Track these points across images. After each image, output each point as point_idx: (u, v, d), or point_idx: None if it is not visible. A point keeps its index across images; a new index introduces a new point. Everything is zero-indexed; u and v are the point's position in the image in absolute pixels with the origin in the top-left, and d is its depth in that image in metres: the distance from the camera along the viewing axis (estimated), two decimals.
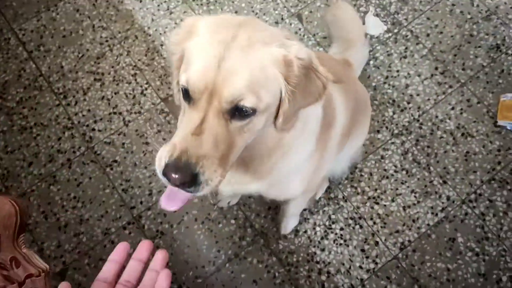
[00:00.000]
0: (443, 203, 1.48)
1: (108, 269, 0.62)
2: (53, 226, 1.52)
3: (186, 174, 0.67)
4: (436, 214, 1.47)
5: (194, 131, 0.69)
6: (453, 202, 1.48)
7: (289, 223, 1.45)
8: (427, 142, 1.56)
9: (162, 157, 0.69)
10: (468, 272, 1.40)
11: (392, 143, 1.56)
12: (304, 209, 1.50)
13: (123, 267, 0.64)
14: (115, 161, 1.60)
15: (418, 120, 1.59)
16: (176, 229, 1.50)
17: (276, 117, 0.78)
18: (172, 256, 1.47)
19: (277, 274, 1.43)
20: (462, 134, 1.56)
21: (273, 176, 0.96)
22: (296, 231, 1.48)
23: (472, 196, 1.49)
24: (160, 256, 0.64)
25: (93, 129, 1.64)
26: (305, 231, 1.48)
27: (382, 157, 1.55)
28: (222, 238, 1.48)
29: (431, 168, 1.52)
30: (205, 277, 1.44)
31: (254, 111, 0.71)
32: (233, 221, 1.50)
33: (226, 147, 0.71)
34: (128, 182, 1.57)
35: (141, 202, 1.54)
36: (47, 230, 1.52)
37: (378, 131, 1.58)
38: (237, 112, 0.71)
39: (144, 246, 0.65)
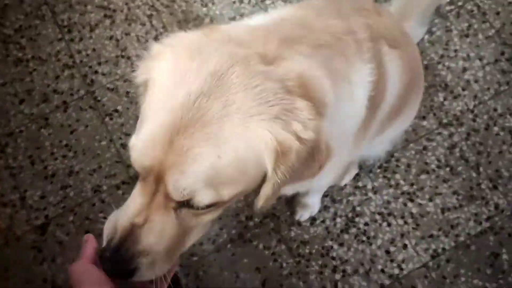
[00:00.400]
0: (489, 211, 1.26)
1: None
2: (39, 174, 1.34)
3: (120, 269, 0.58)
4: (480, 223, 1.25)
5: (136, 219, 0.56)
6: (502, 211, 1.26)
7: (306, 210, 1.25)
8: (479, 138, 1.32)
9: (105, 231, 0.61)
10: None
11: (439, 133, 1.33)
12: (325, 196, 1.29)
13: None
14: (116, 110, 1.39)
15: (472, 111, 1.35)
16: None
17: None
18: None
19: (284, 264, 1.24)
20: None
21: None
22: (312, 219, 1.28)
23: None
24: None
25: (96, 72, 1.43)
26: (323, 221, 1.27)
27: (425, 148, 1.32)
28: (227, 215, 1.29)
29: (481, 169, 1.29)
30: (202, 256, 1.25)
31: (213, 205, 0.55)
32: (241, 197, 1.30)
33: (175, 238, 0.59)
34: (128, 136, 1.37)
35: None
36: (32, 177, 1.34)
37: (424, 118, 1.35)
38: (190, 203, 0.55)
39: None
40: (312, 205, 1.24)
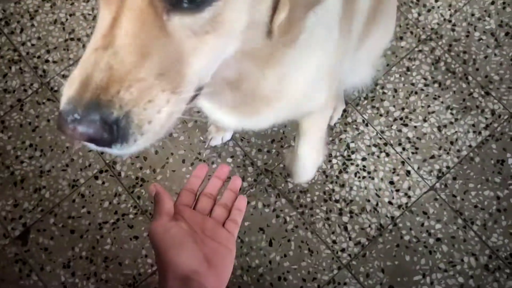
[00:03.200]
0: (486, 118, 1.20)
1: (193, 182, 0.65)
2: (7, 182, 1.23)
3: (92, 123, 0.37)
4: (479, 133, 1.19)
5: (101, 42, 0.38)
6: (499, 116, 1.20)
7: (307, 163, 0.95)
8: (462, 46, 1.26)
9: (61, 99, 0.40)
10: None
11: (420, 51, 1.26)
12: None
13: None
14: None
15: (450, 21, 1.28)
16: (160, 174, 1.22)
17: (272, 12, 0.44)
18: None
19: (288, 218, 1.16)
20: (506, 34, 1.26)
21: (288, 97, 0.65)
22: None
23: None
24: (238, 181, 0.67)
25: (47, 61, 1.31)
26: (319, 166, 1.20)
27: (408, 68, 1.25)
28: None
29: (470, 78, 1.23)
30: None
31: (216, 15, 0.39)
32: (229, 160, 1.22)
33: (166, 62, 0.39)
34: None
35: None
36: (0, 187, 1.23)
37: (401, 38, 1.27)
38: None
39: (224, 168, 0.67)
40: (312, 157, 0.95)
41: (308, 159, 0.94)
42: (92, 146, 0.40)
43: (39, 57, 1.31)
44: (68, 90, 0.38)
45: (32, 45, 1.32)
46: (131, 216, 1.19)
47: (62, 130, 0.39)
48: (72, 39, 1.32)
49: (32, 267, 1.16)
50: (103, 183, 1.22)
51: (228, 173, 0.68)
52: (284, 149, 1.21)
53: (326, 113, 0.86)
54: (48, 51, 1.32)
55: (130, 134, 0.38)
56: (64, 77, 1.29)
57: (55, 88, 1.29)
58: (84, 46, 1.31)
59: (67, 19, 1.34)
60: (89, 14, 1.34)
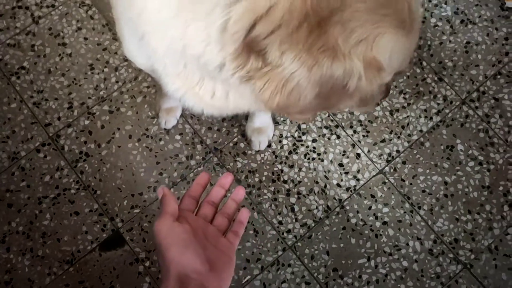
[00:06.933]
0: (438, 104, 1.20)
1: (195, 189, 0.66)
2: None
3: None
4: (431, 118, 1.19)
5: None
6: (451, 102, 1.20)
7: (263, 135, 1.14)
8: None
9: None
10: (470, 184, 1.14)
11: None
12: None
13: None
14: (23, 67, 1.23)
15: None
16: (105, 149, 1.17)
17: None
18: (101, 183, 1.15)
19: None
20: (462, 21, 1.26)
21: None
22: None
23: (474, 95, 1.20)
24: (241, 191, 0.68)
25: None
26: (269, 145, 1.18)
27: None
28: (165, 158, 1.17)
29: (424, 63, 1.23)
30: (144, 206, 1.13)
31: None
32: (178, 137, 1.18)
33: None
34: (40, 93, 1.21)
35: (58, 118, 1.20)
36: None
37: None
38: None
39: (228, 178, 0.68)
40: (266, 127, 1.14)
41: (267, 130, 1.15)
42: None
43: None
44: None
45: None
46: (72, 191, 1.15)
47: None
48: (20, 7, 1.27)
49: None
50: (45, 156, 1.17)
51: (231, 182, 0.68)
52: (235, 128, 1.19)
53: None
54: None
55: None
56: (10, 46, 1.24)
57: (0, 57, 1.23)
58: (32, 15, 1.26)
59: None
60: None
